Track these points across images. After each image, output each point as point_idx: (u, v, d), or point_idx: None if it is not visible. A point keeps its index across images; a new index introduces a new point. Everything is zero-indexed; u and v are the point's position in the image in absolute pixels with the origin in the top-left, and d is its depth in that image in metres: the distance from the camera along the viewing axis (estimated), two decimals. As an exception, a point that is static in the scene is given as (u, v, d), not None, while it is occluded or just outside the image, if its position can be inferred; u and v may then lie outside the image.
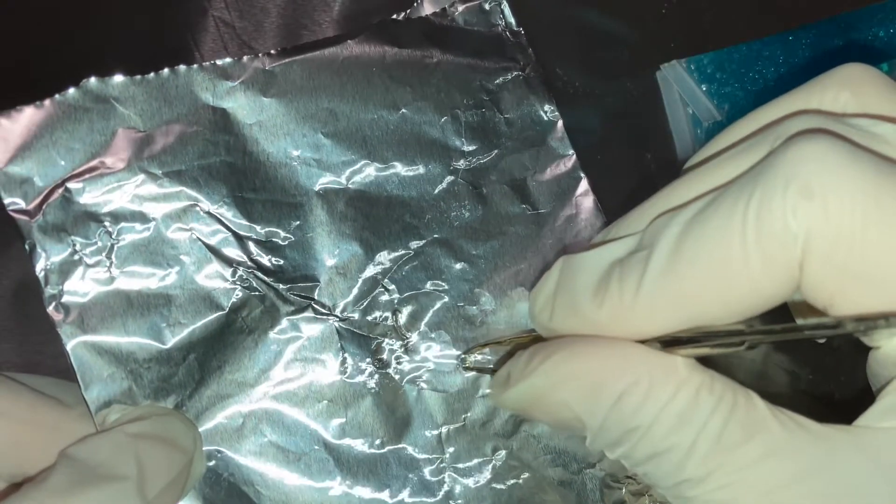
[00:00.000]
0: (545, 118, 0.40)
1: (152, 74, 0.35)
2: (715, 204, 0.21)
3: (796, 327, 0.21)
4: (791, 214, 0.19)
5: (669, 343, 0.22)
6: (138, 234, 0.34)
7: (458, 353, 0.36)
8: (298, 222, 0.36)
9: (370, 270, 0.36)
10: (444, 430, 0.36)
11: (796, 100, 0.24)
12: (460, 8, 0.39)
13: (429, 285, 0.37)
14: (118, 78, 0.34)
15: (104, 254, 0.33)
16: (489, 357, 0.35)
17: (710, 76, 0.44)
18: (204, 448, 0.33)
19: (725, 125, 0.45)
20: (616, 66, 0.46)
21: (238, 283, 0.34)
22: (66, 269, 0.33)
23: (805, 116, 0.22)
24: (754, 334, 0.21)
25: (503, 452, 0.36)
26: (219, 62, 0.36)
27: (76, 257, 0.33)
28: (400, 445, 0.35)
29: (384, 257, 0.36)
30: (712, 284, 0.20)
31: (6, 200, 0.33)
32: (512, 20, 0.40)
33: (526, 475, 0.36)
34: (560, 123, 0.40)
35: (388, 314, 0.36)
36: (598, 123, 0.45)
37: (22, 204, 0.33)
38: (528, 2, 0.47)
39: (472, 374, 0.36)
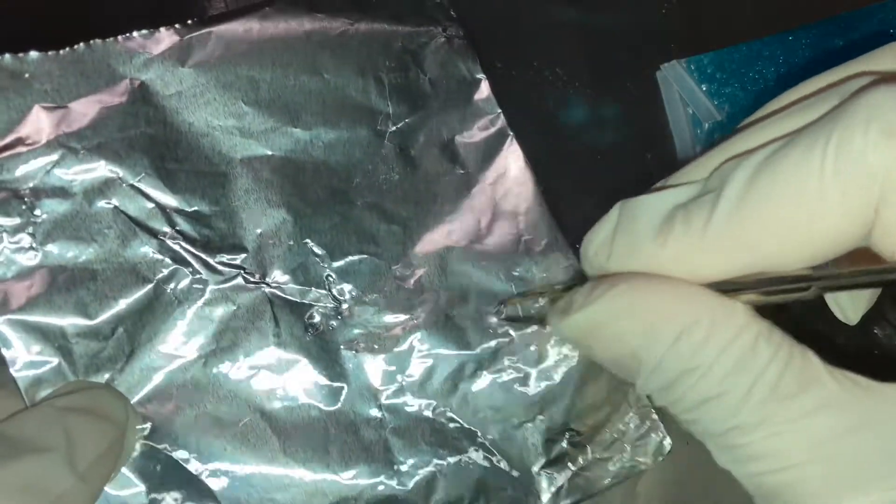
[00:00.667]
0: (469, 78, 0.39)
1: (67, 49, 0.34)
2: (790, 146, 0.20)
3: (868, 271, 0.21)
4: (872, 152, 0.19)
5: (729, 290, 0.22)
6: (60, 209, 0.33)
7: (394, 315, 0.36)
8: (223, 191, 0.35)
9: (299, 237, 0.36)
10: (381, 392, 0.35)
11: (852, 68, 0.25)
12: None
13: (360, 249, 0.36)
14: (33, 54, 0.34)
15: (26, 230, 0.33)
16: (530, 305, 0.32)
17: (710, 76, 0.44)
18: (138, 423, 0.33)
19: (725, 125, 0.46)
20: (616, 66, 0.46)
21: (165, 254, 0.34)
22: None
23: (870, 77, 0.22)
24: (822, 279, 0.21)
25: (442, 411, 0.35)
26: (135, 34, 0.35)
27: None
28: (337, 408, 0.35)
29: (313, 223, 0.36)
30: (785, 224, 0.20)
31: None
32: None
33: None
34: (485, 83, 0.40)
35: (321, 280, 0.36)
36: (598, 123, 0.45)
37: None
38: (528, 2, 0.47)
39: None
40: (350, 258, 0.36)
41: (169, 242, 0.34)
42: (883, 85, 0.20)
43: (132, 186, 0.34)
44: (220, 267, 0.35)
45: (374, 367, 0.35)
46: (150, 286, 0.34)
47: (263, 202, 0.36)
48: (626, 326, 0.23)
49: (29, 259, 0.33)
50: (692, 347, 0.21)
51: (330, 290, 0.35)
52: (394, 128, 0.38)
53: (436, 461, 0.35)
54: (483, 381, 0.36)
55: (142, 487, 0.32)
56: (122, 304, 0.33)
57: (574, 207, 0.43)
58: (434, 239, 0.37)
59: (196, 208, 0.35)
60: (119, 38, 0.35)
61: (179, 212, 0.35)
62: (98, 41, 0.35)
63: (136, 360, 0.33)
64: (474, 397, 0.36)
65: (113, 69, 0.35)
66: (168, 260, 0.34)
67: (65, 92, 0.34)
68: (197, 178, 0.35)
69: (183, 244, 0.34)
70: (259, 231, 0.35)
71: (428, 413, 0.35)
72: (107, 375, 0.32)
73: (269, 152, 0.36)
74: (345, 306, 0.35)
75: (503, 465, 0.35)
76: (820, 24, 0.45)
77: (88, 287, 0.33)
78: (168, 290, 0.34)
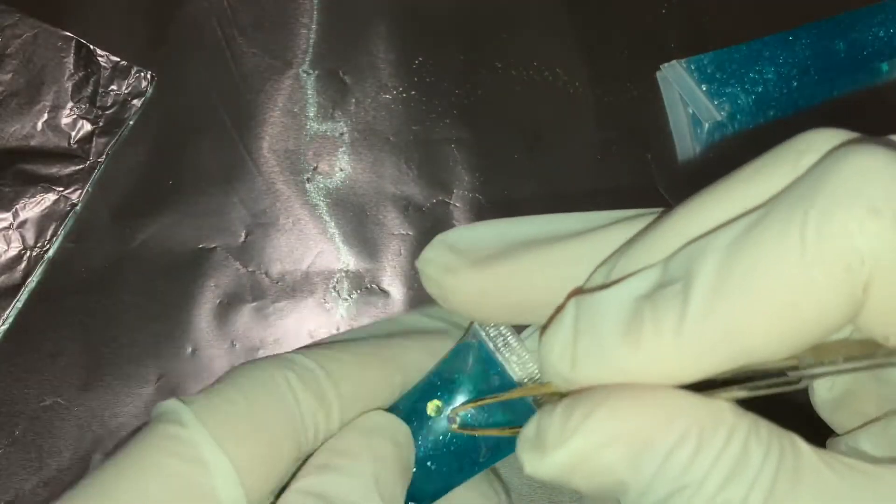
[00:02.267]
0: None
1: None
2: (761, 226, 0.19)
3: (870, 362, 0.20)
4: (858, 233, 0.17)
5: (707, 387, 0.20)
6: None
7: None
8: None
9: None
10: None
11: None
12: None
13: None
14: None
15: None
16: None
17: (710, 76, 0.44)
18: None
19: (725, 125, 0.46)
20: (616, 66, 0.46)
21: None
22: None
23: (824, 131, 0.20)
24: (813, 371, 0.20)
25: None
26: None
27: None
28: None
29: None
30: (765, 316, 0.18)
31: None
32: None
33: None
34: None
35: None
36: (598, 123, 0.45)
37: None
38: (529, 3, 0.47)
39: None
40: None
41: None
42: (857, 151, 0.18)
43: None
44: None
45: None
46: None
47: None
48: (610, 458, 0.20)
49: None
50: (682, 465, 0.20)
51: None
52: None
53: None
54: None
55: None
56: None
57: (574, 208, 0.43)
58: None
59: None
60: None
61: None
62: None
63: None
64: None
65: None
66: None
67: None
68: None
69: None
70: None
71: None
72: None
73: None
74: None
75: None
76: (820, 24, 0.45)
77: None
78: None
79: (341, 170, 0.44)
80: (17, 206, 0.41)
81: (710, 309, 0.19)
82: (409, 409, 0.26)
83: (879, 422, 0.22)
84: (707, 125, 0.44)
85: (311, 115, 0.45)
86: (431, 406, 0.26)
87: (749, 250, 0.18)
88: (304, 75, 0.45)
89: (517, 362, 0.25)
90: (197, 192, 0.43)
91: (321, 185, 0.43)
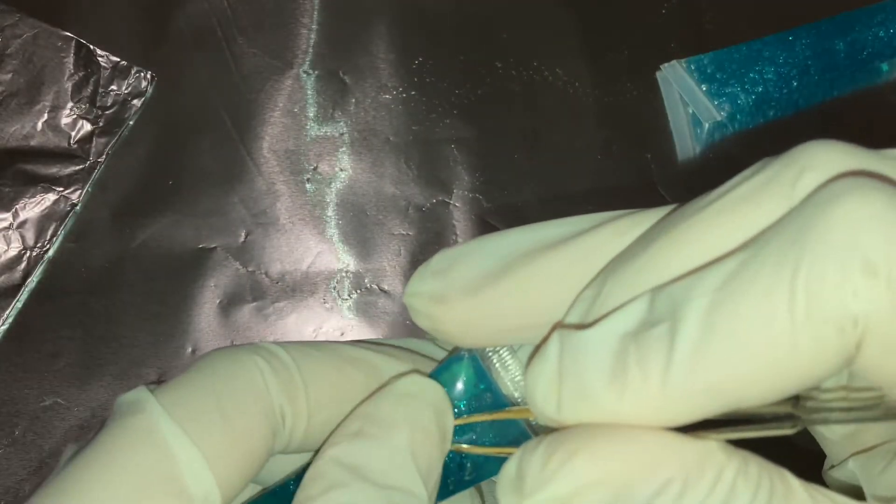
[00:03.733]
0: None
1: None
2: (748, 274, 0.18)
3: (870, 414, 0.19)
4: (851, 295, 0.17)
5: (698, 426, 0.20)
6: None
7: None
8: None
9: None
10: None
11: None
12: None
13: None
14: None
15: None
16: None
17: (710, 76, 0.44)
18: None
19: (725, 125, 0.46)
20: (616, 66, 0.46)
21: None
22: None
23: (822, 149, 0.19)
24: (807, 417, 0.19)
25: None
26: None
27: None
28: None
29: None
30: (755, 369, 0.18)
31: None
32: None
33: None
34: None
35: None
36: (598, 123, 0.45)
37: None
38: (529, 3, 0.47)
39: None
40: None
41: None
42: (851, 195, 0.17)
43: None
44: None
45: None
46: None
47: None
48: (592, 501, 0.20)
49: None
50: None
51: None
52: None
53: None
54: None
55: None
56: None
57: (574, 208, 0.43)
58: None
59: None
60: None
61: None
62: None
63: None
64: None
65: None
66: None
67: None
68: None
69: None
70: None
71: None
72: None
73: None
74: None
75: None
76: (820, 24, 0.45)
77: None
78: None
79: (341, 170, 0.44)
80: (17, 206, 0.41)
81: (697, 358, 0.18)
82: None
83: (877, 451, 0.22)
84: (707, 125, 0.44)
85: (312, 115, 0.45)
86: None
87: (736, 300, 0.18)
88: (304, 75, 0.45)
89: (510, 380, 0.25)
90: (197, 192, 0.43)
91: (321, 186, 0.43)
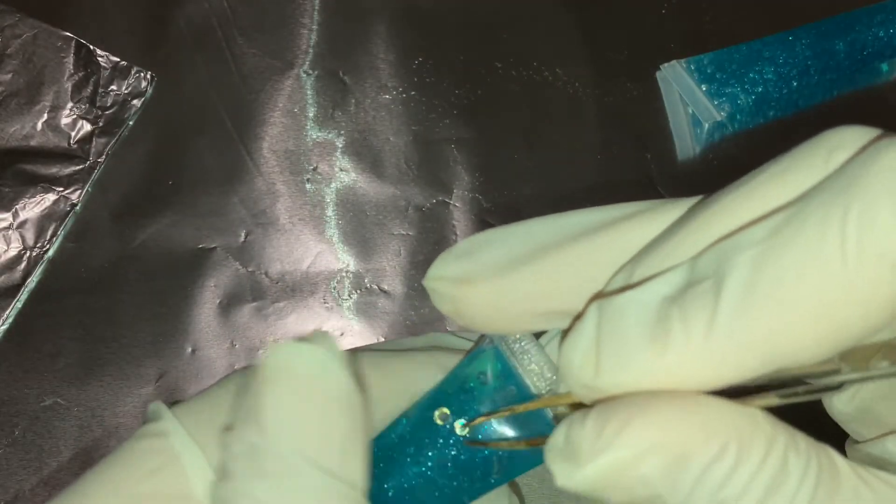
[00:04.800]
0: None
1: None
2: (796, 224, 0.18)
3: None
4: None
5: (739, 393, 0.19)
6: None
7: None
8: None
9: None
10: None
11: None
12: None
13: None
14: None
15: None
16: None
17: (710, 76, 0.44)
18: None
19: (725, 125, 0.46)
20: (616, 66, 0.46)
21: None
22: None
23: (854, 128, 0.19)
24: (851, 374, 0.19)
25: None
26: None
27: None
28: None
29: None
30: (805, 318, 0.17)
31: None
32: None
33: None
34: None
35: None
36: (598, 123, 0.45)
37: None
38: (529, 3, 0.47)
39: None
40: None
41: None
42: None
43: None
44: None
45: None
46: None
47: None
48: (647, 470, 0.19)
49: None
50: (721, 479, 0.19)
51: None
52: None
53: None
54: None
55: None
56: None
57: (574, 208, 0.43)
58: None
59: None
60: None
61: None
62: None
63: None
64: None
65: None
66: None
67: None
68: None
69: None
70: None
71: None
72: None
73: None
74: None
75: None
76: (820, 24, 0.45)
77: None
78: None
79: (341, 170, 0.44)
80: (17, 207, 0.41)
81: (743, 309, 0.18)
82: (418, 417, 0.24)
83: None
84: (707, 125, 0.44)
85: (311, 115, 0.45)
86: (438, 414, 0.24)
87: (784, 249, 0.18)
88: (304, 76, 0.45)
89: (536, 373, 0.24)
90: (197, 192, 0.43)
91: (321, 186, 0.43)
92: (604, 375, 0.20)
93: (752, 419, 0.19)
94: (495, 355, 0.24)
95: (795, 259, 0.17)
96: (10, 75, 0.43)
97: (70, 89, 0.43)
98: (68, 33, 0.44)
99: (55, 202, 0.42)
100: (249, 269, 0.42)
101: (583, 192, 0.43)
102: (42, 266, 0.41)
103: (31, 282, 0.41)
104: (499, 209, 0.43)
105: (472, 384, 0.24)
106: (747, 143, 0.44)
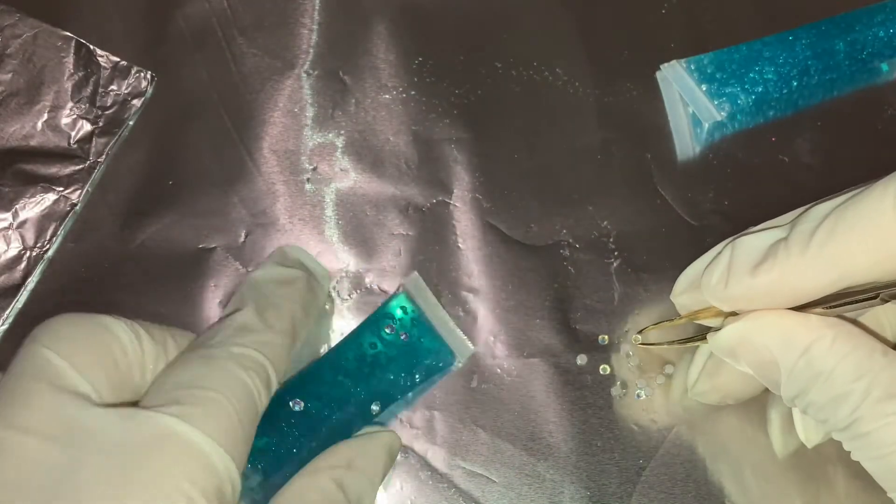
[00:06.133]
0: None
1: None
2: (866, 192, 0.27)
3: None
4: None
5: (825, 306, 0.29)
6: None
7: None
8: None
9: None
10: None
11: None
12: None
13: None
14: None
15: None
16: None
17: (710, 76, 0.44)
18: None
19: (725, 125, 0.46)
20: (616, 66, 0.46)
21: None
22: None
23: None
24: (889, 288, 0.27)
25: None
26: None
27: None
28: None
29: None
30: (864, 248, 0.26)
31: None
32: None
33: None
34: None
35: None
36: (598, 123, 0.45)
37: None
38: (529, 3, 0.47)
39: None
40: None
41: None
42: None
43: None
44: None
45: None
46: None
47: None
48: (768, 337, 0.29)
49: None
50: (819, 356, 0.28)
51: None
52: None
53: None
54: None
55: None
56: None
57: (575, 207, 0.43)
58: None
59: None
60: None
61: None
62: None
63: None
64: None
65: None
66: None
67: None
68: None
69: None
70: None
71: None
72: None
73: None
74: None
75: None
76: (820, 24, 0.45)
77: None
78: None
79: (341, 170, 0.44)
80: (17, 206, 0.41)
81: (827, 241, 0.27)
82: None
83: None
84: (707, 125, 0.44)
85: (311, 115, 0.45)
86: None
87: (856, 205, 0.27)
88: (305, 75, 0.45)
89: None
90: (197, 192, 0.43)
91: (321, 186, 0.43)
92: (731, 287, 0.30)
93: (847, 325, 0.28)
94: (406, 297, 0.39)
95: (863, 210, 0.27)
96: (10, 75, 0.43)
97: (70, 89, 0.43)
98: (68, 33, 0.44)
99: (55, 202, 0.42)
100: (249, 269, 0.42)
101: (583, 191, 0.43)
102: (42, 266, 0.41)
103: (31, 282, 0.41)
104: (499, 209, 0.43)
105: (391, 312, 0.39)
106: (747, 143, 0.44)
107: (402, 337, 0.38)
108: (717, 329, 0.32)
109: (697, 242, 0.41)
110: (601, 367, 0.40)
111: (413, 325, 0.39)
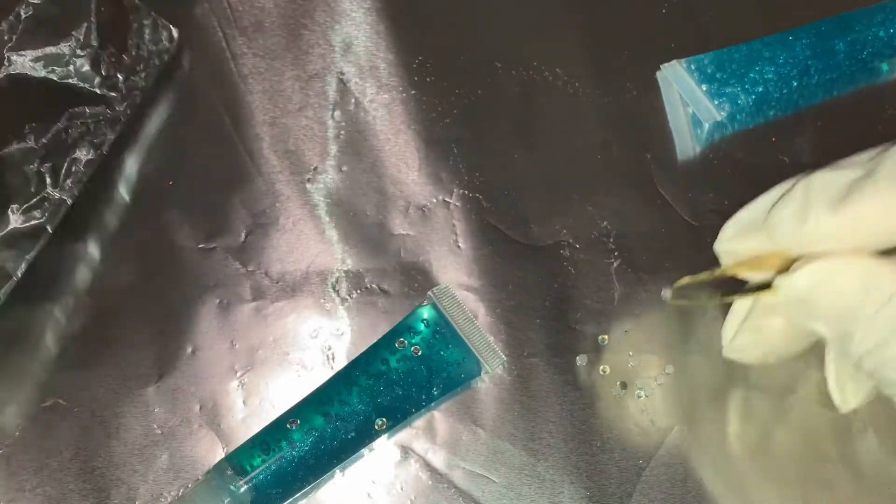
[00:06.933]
0: None
1: None
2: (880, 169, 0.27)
3: None
4: None
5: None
6: None
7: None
8: None
9: None
10: None
11: None
12: None
13: None
14: None
15: None
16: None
17: (710, 76, 0.44)
18: None
19: (725, 125, 0.46)
20: (616, 66, 0.46)
21: None
22: None
23: None
24: None
25: None
26: None
27: None
28: None
29: None
30: (886, 215, 0.26)
31: None
32: None
33: None
34: None
35: None
36: (598, 123, 0.45)
37: None
38: (529, 3, 0.47)
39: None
40: None
41: None
42: None
43: None
44: None
45: None
46: None
47: None
48: (852, 280, 0.27)
49: None
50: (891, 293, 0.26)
51: None
52: None
53: None
54: None
55: None
56: None
57: (574, 206, 0.43)
58: None
59: None
60: None
61: None
62: None
63: None
64: None
65: None
66: None
67: None
68: None
69: None
70: None
71: None
72: None
73: None
74: None
75: None
76: (820, 24, 0.45)
77: None
78: None
79: (341, 170, 0.44)
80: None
81: (865, 201, 0.27)
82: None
83: None
84: (707, 125, 0.44)
85: (312, 115, 0.45)
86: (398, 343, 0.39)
87: (876, 179, 0.27)
88: (305, 75, 0.45)
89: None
90: (197, 192, 0.43)
91: (321, 185, 0.43)
92: (810, 223, 0.28)
93: None
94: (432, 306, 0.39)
95: (880, 192, 0.27)
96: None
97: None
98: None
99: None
100: (249, 269, 0.42)
101: (583, 191, 0.43)
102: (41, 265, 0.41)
103: (29, 281, 0.41)
104: (499, 209, 0.43)
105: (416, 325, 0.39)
106: (747, 143, 0.44)
107: (415, 351, 0.38)
108: (769, 282, 0.30)
109: (697, 242, 0.41)
110: (601, 367, 0.40)
111: (435, 337, 0.38)
